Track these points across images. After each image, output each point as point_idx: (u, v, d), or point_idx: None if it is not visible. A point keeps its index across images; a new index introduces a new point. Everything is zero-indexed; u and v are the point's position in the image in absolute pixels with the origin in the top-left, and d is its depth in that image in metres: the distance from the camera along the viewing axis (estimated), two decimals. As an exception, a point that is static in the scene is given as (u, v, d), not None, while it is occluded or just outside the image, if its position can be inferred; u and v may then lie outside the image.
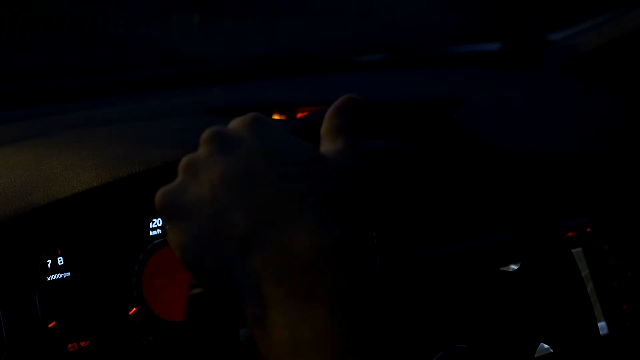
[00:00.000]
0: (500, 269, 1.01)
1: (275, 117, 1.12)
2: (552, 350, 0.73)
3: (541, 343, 0.74)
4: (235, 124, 0.54)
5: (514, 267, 1.02)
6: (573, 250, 0.94)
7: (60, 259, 0.84)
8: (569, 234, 1.07)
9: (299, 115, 1.12)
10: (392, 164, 0.99)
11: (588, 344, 0.72)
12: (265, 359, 0.48)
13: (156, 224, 0.89)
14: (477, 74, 1.40)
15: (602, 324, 1.06)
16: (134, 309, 0.86)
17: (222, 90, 1.22)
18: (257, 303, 0.48)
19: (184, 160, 0.53)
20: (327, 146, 0.56)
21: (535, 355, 0.74)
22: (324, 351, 0.46)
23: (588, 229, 1.09)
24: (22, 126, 1.03)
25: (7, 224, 0.81)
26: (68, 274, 0.84)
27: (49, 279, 0.83)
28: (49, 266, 0.83)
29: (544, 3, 1.63)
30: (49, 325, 0.83)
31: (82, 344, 0.84)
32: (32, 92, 1.15)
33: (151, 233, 0.88)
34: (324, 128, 0.57)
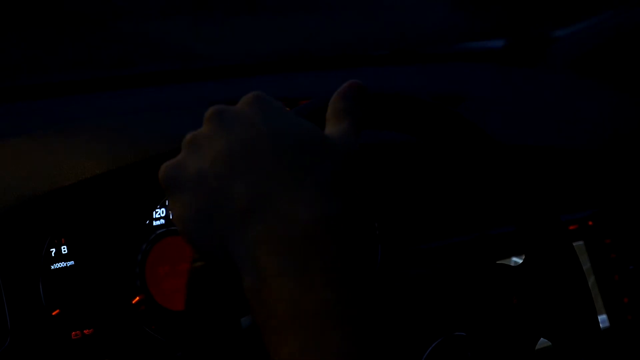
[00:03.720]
0: (502, 261, 1.01)
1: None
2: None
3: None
4: (238, 103, 0.55)
5: (516, 259, 1.03)
6: (575, 244, 0.94)
7: (64, 248, 0.85)
8: (571, 228, 1.07)
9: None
10: (395, 155, 1.00)
11: (588, 338, 0.72)
12: (264, 330, 0.48)
13: (159, 214, 0.89)
14: (481, 71, 1.40)
15: (603, 317, 1.06)
16: (137, 297, 0.87)
17: (228, 85, 1.22)
18: (255, 274, 0.48)
19: (187, 137, 0.53)
20: (331, 128, 0.56)
21: (536, 348, 0.75)
22: (322, 322, 0.46)
23: (590, 223, 1.09)
24: (28, 118, 1.04)
25: (12, 211, 0.82)
26: (72, 262, 0.85)
27: (52, 267, 0.84)
28: (53, 254, 0.84)
29: (549, 0, 1.63)
30: (53, 313, 0.83)
31: (85, 332, 0.84)
32: (38, 85, 1.15)
33: (154, 223, 0.89)
34: (328, 112, 0.58)
